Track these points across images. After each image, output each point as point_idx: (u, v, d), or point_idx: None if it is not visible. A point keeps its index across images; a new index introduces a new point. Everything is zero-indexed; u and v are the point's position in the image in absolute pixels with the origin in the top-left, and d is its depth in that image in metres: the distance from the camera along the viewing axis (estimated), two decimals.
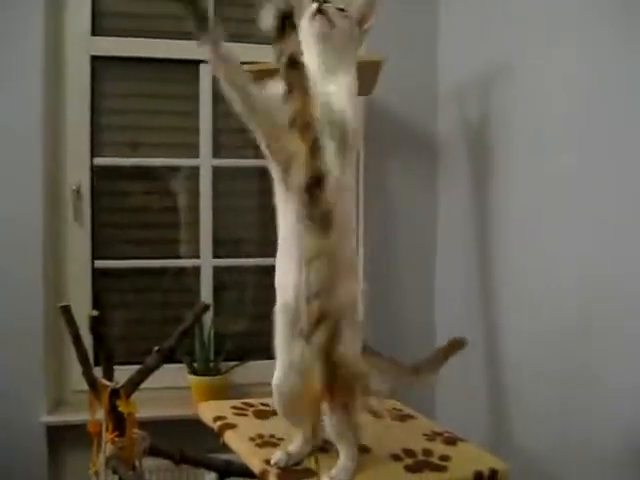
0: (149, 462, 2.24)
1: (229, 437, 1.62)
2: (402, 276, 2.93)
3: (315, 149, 1.34)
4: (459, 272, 2.82)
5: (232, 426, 1.66)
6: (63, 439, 2.67)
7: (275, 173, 1.52)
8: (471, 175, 2.72)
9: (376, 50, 2.74)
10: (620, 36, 1.90)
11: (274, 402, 1.54)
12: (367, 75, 2.50)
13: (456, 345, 1.85)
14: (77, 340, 2.18)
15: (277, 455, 1.49)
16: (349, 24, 1.49)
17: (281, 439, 1.57)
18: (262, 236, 2.95)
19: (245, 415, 1.76)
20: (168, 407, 2.68)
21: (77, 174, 2.73)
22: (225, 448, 1.88)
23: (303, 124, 1.36)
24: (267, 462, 1.42)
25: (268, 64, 2.41)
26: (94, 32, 2.76)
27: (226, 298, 2.98)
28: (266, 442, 1.55)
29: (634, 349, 1.81)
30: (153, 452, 2.26)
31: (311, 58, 1.51)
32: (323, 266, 1.29)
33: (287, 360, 1.50)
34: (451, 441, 1.60)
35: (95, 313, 2.07)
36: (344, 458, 1.43)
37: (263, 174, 2.90)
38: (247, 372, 2.81)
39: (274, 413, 1.66)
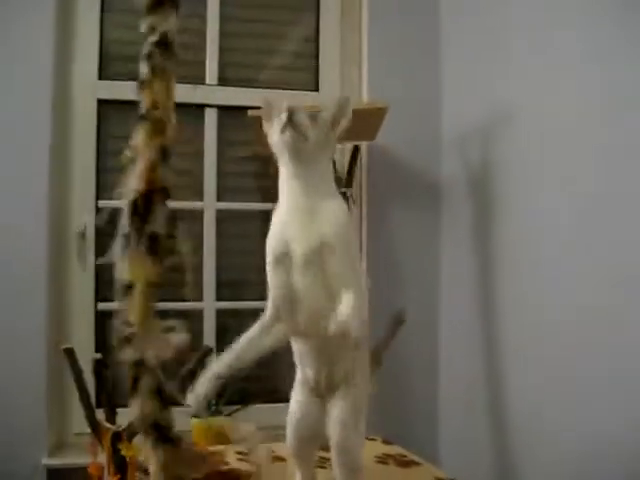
0: None
1: None
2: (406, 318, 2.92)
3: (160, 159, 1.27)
4: (463, 312, 2.82)
5: None
6: None
7: None
8: (474, 219, 2.74)
9: (380, 95, 2.80)
10: (621, 80, 1.93)
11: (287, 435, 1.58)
12: (371, 121, 2.55)
13: (397, 320, 1.89)
14: (80, 382, 2.17)
15: None
16: (321, 131, 1.43)
17: None
18: (265, 279, 2.94)
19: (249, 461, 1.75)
20: None
21: (82, 216, 2.75)
22: None
23: (157, 119, 1.28)
24: None
25: None
26: (101, 76, 2.80)
27: (229, 341, 2.96)
28: None
29: None
30: None
31: (285, 167, 1.46)
32: None
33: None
34: None
35: (98, 356, 2.08)
36: None
37: (267, 217, 2.93)
38: (249, 416, 2.79)
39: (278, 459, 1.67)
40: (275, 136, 1.44)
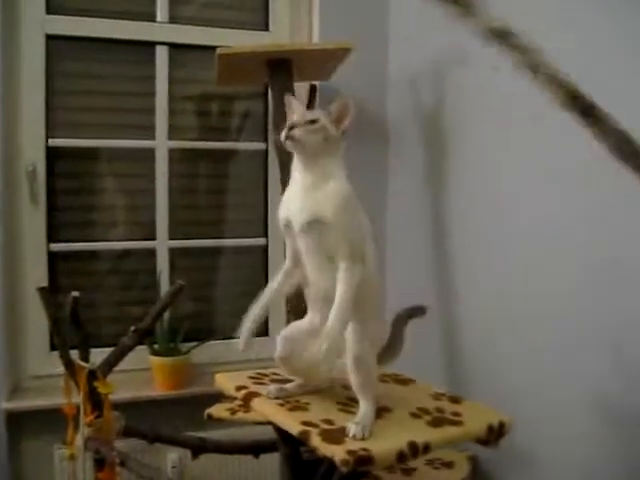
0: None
1: (258, 404, 1.66)
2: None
3: None
4: (409, 255, 2.90)
5: (257, 394, 1.70)
6: (22, 425, 2.64)
7: None
8: (423, 159, 2.79)
9: (330, 35, 2.82)
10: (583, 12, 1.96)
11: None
12: (330, 62, 2.57)
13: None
14: (55, 322, 2.16)
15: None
16: (322, 135, 1.64)
17: (307, 403, 1.66)
18: (216, 218, 3.02)
19: (264, 383, 1.80)
20: (130, 389, 2.67)
21: (32, 155, 2.67)
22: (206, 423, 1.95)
23: None
24: (304, 424, 1.50)
25: (239, 47, 2.46)
26: (49, 11, 2.69)
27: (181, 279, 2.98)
28: (295, 406, 1.61)
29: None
30: (127, 432, 2.28)
31: (294, 157, 1.69)
32: None
33: None
34: (455, 400, 1.73)
35: (76, 294, 2.06)
36: (364, 407, 1.56)
37: (217, 156, 2.96)
38: (205, 352, 2.85)
39: (289, 380, 1.74)
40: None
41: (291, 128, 1.62)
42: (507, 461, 2.34)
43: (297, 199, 1.64)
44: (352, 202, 1.64)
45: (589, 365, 1.97)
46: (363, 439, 1.45)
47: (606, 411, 1.92)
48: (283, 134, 1.62)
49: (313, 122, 1.63)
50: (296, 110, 1.72)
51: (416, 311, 2.13)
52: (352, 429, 1.47)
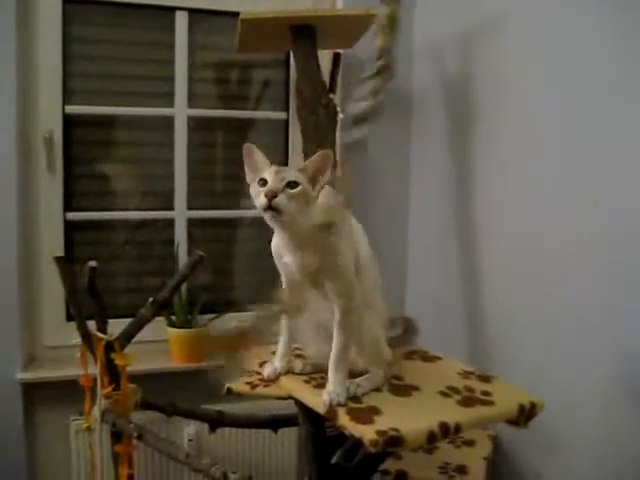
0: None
1: (284, 380, 1.62)
2: (374, 234, 2.93)
3: None
4: (432, 228, 2.85)
5: None
6: (38, 396, 2.62)
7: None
8: (447, 129, 2.73)
9: (353, 2, 2.74)
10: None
11: None
12: (355, 29, 2.50)
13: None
14: (72, 293, 2.12)
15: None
16: (303, 200, 1.44)
17: None
18: (235, 188, 2.93)
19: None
20: (147, 360, 2.63)
21: (49, 122, 2.61)
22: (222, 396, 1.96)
23: None
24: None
25: (262, 12, 2.39)
26: None
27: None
28: (321, 384, 1.55)
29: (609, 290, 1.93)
30: (144, 405, 2.25)
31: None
32: None
33: None
34: (484, 378, 1.67)
35: (94, 264, 2.02)
36: (372, 373, 1.56)
37: (236, 125, 2.90)
38: (222, 324, 2.79)
39: None
40: (255, 199, 1.46)
41: (272, 196, 1.40)
42: (529, 441, 2.29)
43: (286, 253, 1.52)
44: (337, 242, 1.51)
45: (610, 348, 1.93)
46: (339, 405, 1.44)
47: (626, 394, 1.89)
48: (261, 202, 1.41)
49: (292, 185, 1.42)
50: (262, 166, 1.50)
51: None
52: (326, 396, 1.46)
